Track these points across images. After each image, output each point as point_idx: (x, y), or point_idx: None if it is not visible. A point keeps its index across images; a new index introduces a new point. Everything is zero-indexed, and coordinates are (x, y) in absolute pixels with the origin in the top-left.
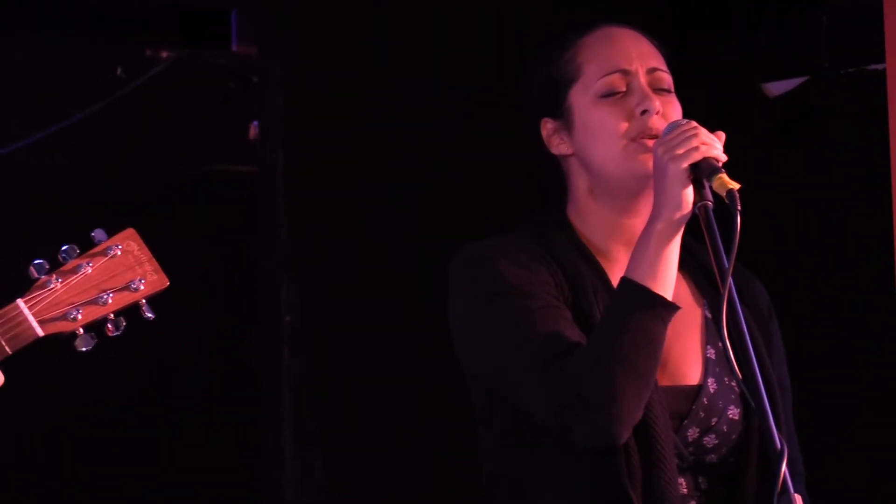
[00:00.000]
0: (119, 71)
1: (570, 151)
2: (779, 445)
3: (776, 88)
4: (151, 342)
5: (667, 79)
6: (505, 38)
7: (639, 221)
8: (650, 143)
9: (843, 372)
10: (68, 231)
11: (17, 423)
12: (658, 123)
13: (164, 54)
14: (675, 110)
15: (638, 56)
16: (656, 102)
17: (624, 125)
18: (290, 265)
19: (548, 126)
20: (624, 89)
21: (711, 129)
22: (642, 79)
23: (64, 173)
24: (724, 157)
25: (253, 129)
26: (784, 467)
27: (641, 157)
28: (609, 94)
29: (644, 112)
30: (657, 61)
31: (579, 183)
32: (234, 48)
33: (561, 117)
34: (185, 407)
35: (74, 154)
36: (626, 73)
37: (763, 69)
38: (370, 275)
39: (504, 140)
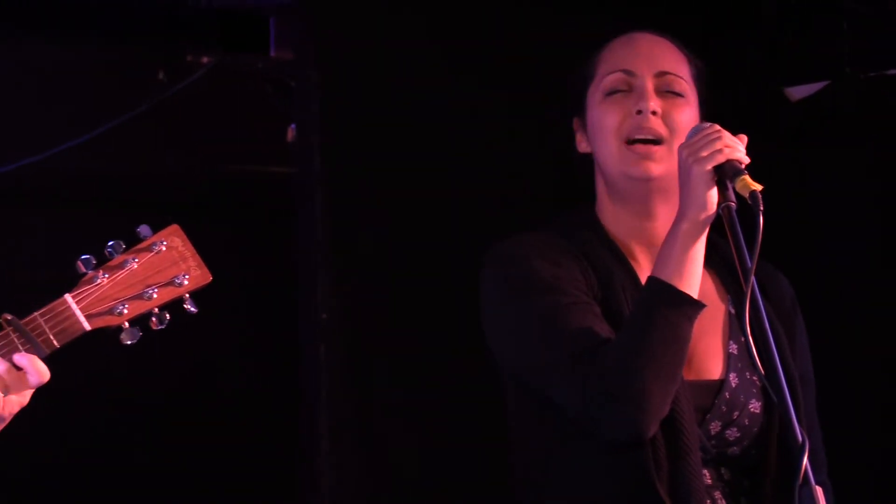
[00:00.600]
0: (161, 75)
1: (589, 150)
2: (800, 438)
3: (798, 92)
4: (193, 337)
5: (679, 83)
6: (537, 44)
7: (656, 225)
8: (638, 146)
9: (867, 366)
10: (114, 228)
11: (63, 415)
12: (655, 125)
13: (205, 59)
14: (681, 114)
15: (648, 58)
16: (651, 103)
17: (618, 122)
18: (327, 264)
19: (575, 124)
20: (626, 88)
21: (734, 132)
22: (648, 81)
23: (109, 173)
24: (746, 160)
25: (290, 132)
26: (805, 460)
27: (631, 160)
28: (612, 93)
29: (639, 112)
30: (672, 66)
31: (598, 181)
32: (272, 53)
33: (582, 116)
34: (224, 400)
35: (119, 155)
36: (629, 73)
37: (786, 73)
38: (404, 273)
39: (536, 141)
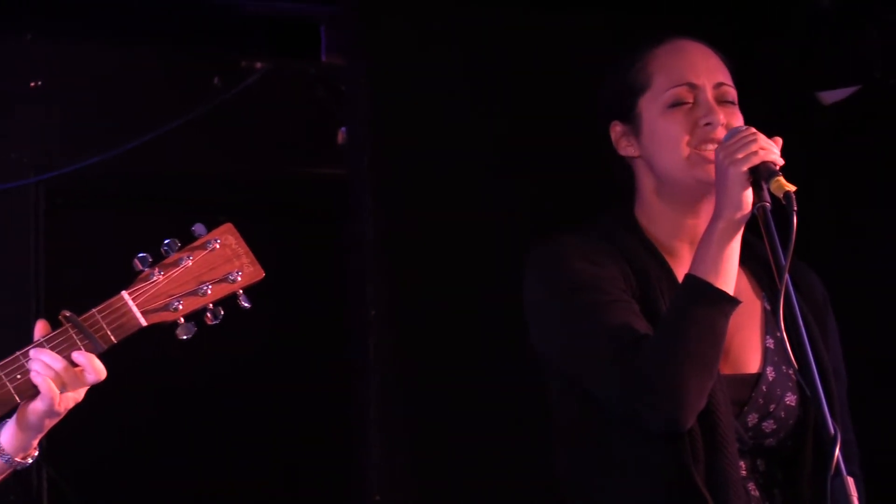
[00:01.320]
0: (216, 80)
1: (636, 154)
2: (832, 430)
3: (830, 97)
4: (247, 331)
5: (732, 93)
6: (576, 49)
7: (701, 221)
8: (710, 152)
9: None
10: (170, 227)
11: (119, 406)
12: (721, 134)
13: (258, 65)
14: (738, 122)
15: (706, 70)
16: (720, 116)
17: (688, 135)
18: (376, 262)
19: (616, 129)
20: (691, 101)
21: (770, 135)
22: (709, 93)
23: (166, 174)
24: (781, 161)
25: (341, 135)
26: (837, 451)
27: (703, 165)
28: (676, 105)
29: (708, 124)
30: (724, 76)
31: (646, 183)
32: (322, 59)
33: (630, 122)
34: (274, 394)
35: (175, 157)
36: (693, 86)
37: (818, 78)
38: (450, 271)
39: (577, 143)
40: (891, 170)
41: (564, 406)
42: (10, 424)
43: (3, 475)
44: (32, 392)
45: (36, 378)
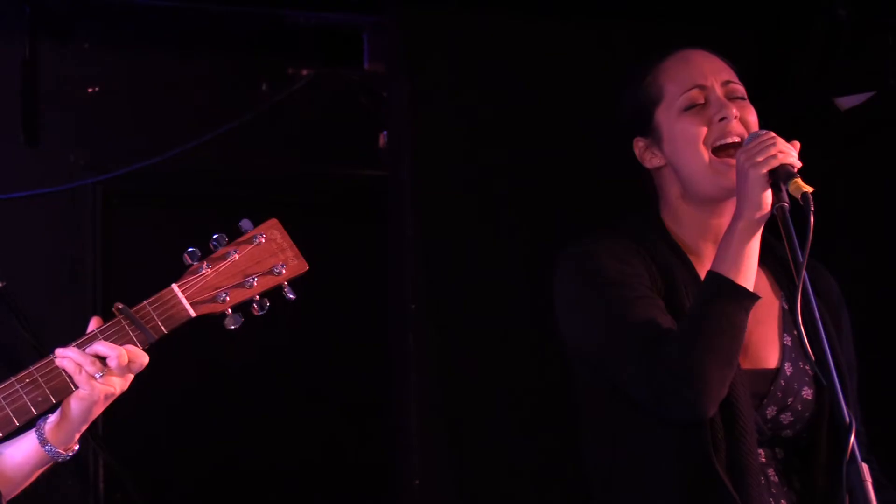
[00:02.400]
0: (264, 87)
1: (662, 163)
2: (848, 420)
3: (847, 102)
4: (290, 322)
5: (740, 88)
6: (603, 61)
7: (724, 221)
8: (732, 160)
9: None
10: (218, 223)
11: (169, 397)
12: (737, 127)
13: (304, 72)
14: (751, 114)
15: (711, 71)
16: (733, 109)
17: (705, 131)
18: (415, 258)
19: (639, 144)
20: (703, 101)
21: (788, 139)
22: (718, 91)
23: (216, 174)
24: (799, 164)
25: (382, 138)
26: (853, 439)
27: (726, 172)
28: (690, 107)
29: (722, 119)
30: (729, 74)
31: (672, 190)
32: (365, 66)
33: (650, 135)
34: (320, 381)
35: (226, 158)
36: (702, 87)
37: (835, 85)
38: (487, 266)
39: (603, 149)
40: None
41: (591, 397)
42: (55, 418)
43: (46, 466)
44: (70, 390)
45: (75, 375)
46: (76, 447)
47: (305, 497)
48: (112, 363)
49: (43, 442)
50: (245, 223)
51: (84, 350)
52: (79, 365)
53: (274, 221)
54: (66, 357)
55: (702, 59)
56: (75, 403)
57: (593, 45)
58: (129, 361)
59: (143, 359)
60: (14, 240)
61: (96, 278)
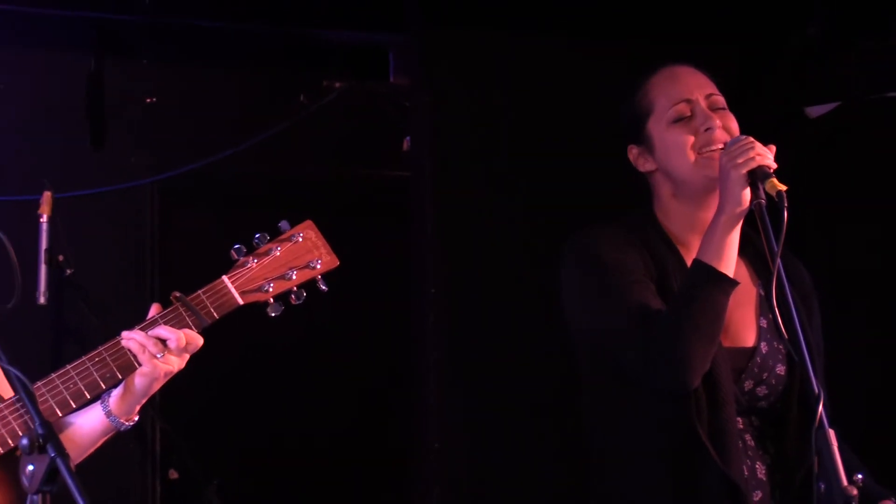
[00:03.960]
0: (302, 97)
1: (654, 168)
2: (816, 391)
3: (816, 111)
4: (325, 312)
5: (721, 100)
6: (604, 73)
7: (709, 215)
8: (715, 155)
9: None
10: (259, 223)
11: (218, 372)
12: (720, 135)
13: (337, 84)
14: (732, 122)
15: (696, 86)
16: (716, 120)
17: (692, 140)
18: (435, 248)
19: (633, 151)
20: (689, 114)
21: (765, 143)
22: (703, 103)
23: (257, 177)
24: (774, 165)
25: (406, 143)
26: (821, 408)
27: (710, 165)
28: (678, 119)
29: (707, 129)
30: (711, 87)
31: (664, 190)
32: (391, 79)
33: (643, 143)
34: (349, 360)
35: (265, 162)
36: (689, 101)
37: (807, 95)
38: (499, 255)
39: (604, 153)
40: (866, 172)
41: (591, 372)
42: (118, 392)
43: (110, 434)
44: (134, 368)
45: (139, 355)
46: (136, 418)
47: (337, 461)
48: (171, 345)
49: (108, 413)
50: (283, 224)
51: (147, 333)
52: (143, 346)
53: (309, 222)
54: (132, 339)
55: (687, 75)
56: (138, 380)
57: (595, 59)
58: (186, 343)
59: (198, 341)
60: (82, 233)
61: (154, 268)
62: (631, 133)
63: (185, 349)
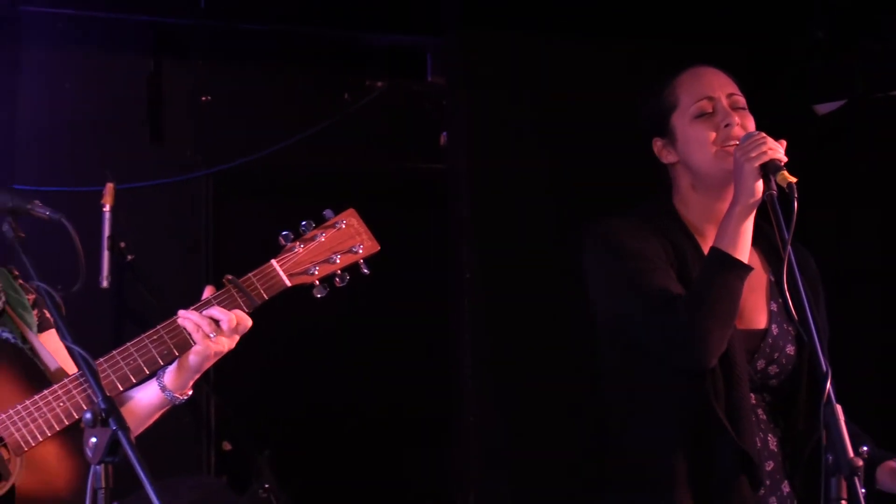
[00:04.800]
0: (346, 96)
1: (676, 159)
2: (824, 368)
3: (823, 108)
4: (367, 293)
5: (741, 100)
6: (625, 73)
7: (725, 206)
8: (731, 148)
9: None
10: (306, 211)
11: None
12: (738, 132)
13: (379, 84)
14: (749, 121)
15: (719, 85)
16: (735, 118)
17: (713, 135)
18: (470, 236)
19: (657, 143)
20: (711, 110)
21: (776, 138)
22: (724, 101)
23: (305, 169)
24: (785, 159)
25: (443, 138)
26: (829, 385)
27: (727, 158)
28: (701, 115)
29: (727, 125)
30: (733, 88)
31: (683, 181)
32: (429, 79)
33: (666, 136)
34: (390, 341)
35: (313, 154)
36: (711, 98)
37: (814, 94)
38: (530, 242)
39: (627, 145)
40: (869, 165)
41: (612, 354)
42: (173, 368)
43: (166, 408)
44: (189, 346)
45: (193, 333)
46: (190, 392)
47: (379, 432)
48: (223, 325)
49: (163, 388)
50: (328, 212)
51: (202, 313)
52: (197, 325)
53: (352, 210)
54: (188, 318)
55: (711, 75)
56: (192, 357)
57: (618, 59)
58: (236, 324)
59: (247, 322)
60: (142, 222)
61: (208, 254)
62: (656, 126)
63: (235, 329)
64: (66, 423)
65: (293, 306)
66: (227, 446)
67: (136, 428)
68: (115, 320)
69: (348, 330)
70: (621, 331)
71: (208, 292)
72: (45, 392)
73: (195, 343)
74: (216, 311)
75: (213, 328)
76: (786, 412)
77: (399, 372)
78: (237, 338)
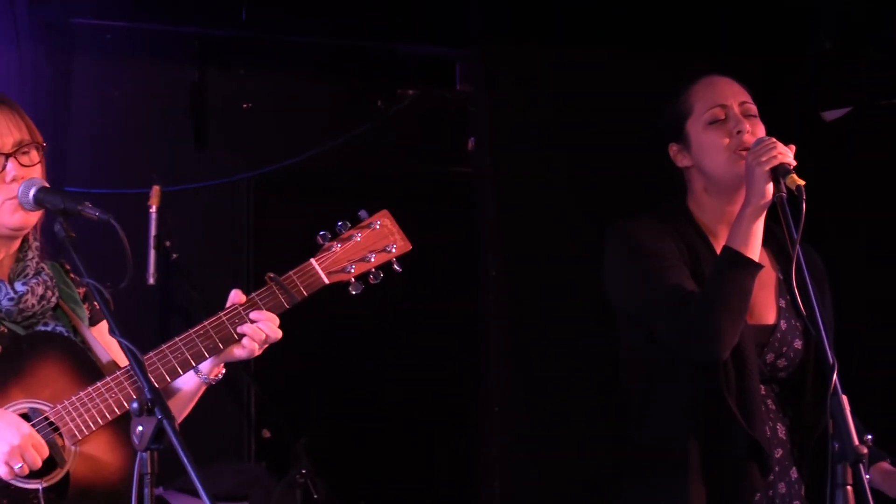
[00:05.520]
0: (379, 103)
1: (690, 163)
2: (831, 361)
3: (831, 115)
4: (398, 289)
5: (753, 108)
6: (641, 82)
7: (736, 208)
8: (744, 154)
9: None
10: (342, 212)
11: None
12: (749, 138)
13: (410, 92)
14: (760, 128)
15: (731, 94)
16: (747, 125)
17: (726, 141)
18: (496, 235)
19: (673, 148)
20: (724, 117)
21: (786, 143)
22: (736, 109)
23: (340, 173)
24: (794, 162)
25: (470, 143)
26: (835, 377)
27: (739, 163)
28: (714, 122)
29: (739, 132)
30: (745, 97)
31: (698, 184)
32: (457, 87)
33: (682, 141)
34: (420, 335)
35: (347, 160)
36: (724, 106)
37: (822, 101)
38: (552, 241)
39: (644, 150)
40: (875, 168)
41: (629, 347)
42: (212, 358)
43: (201, 392)
44: (234, 340)
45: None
46: (223, 372)
47: (409, 419)
48: (264, 326)
49: (197, 372)
50: (363, 213)
51: (248, 314)
52: (261, 331)
53: (385, 212)
54: (260, 327)
55: (724, 84)
56: (237, 350)
57: (635, 68)
58: (266, 337)
59: (277, 335)
60: (187, 222)
61: (250, 253)
62: (672, 132)
63: (265, 340)
64: (118, 412)
65: (330, 302)
66: (266, 434)
67: (179, 414)
68: (161, 315)
69: (381, 324)
70: (639, 325)
71: (234, 296)
72: (98, 384)
73: (244, 345)
74: (259, 314)
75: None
76: (794, 403)
77: (428, 363)
78: (265, 347)
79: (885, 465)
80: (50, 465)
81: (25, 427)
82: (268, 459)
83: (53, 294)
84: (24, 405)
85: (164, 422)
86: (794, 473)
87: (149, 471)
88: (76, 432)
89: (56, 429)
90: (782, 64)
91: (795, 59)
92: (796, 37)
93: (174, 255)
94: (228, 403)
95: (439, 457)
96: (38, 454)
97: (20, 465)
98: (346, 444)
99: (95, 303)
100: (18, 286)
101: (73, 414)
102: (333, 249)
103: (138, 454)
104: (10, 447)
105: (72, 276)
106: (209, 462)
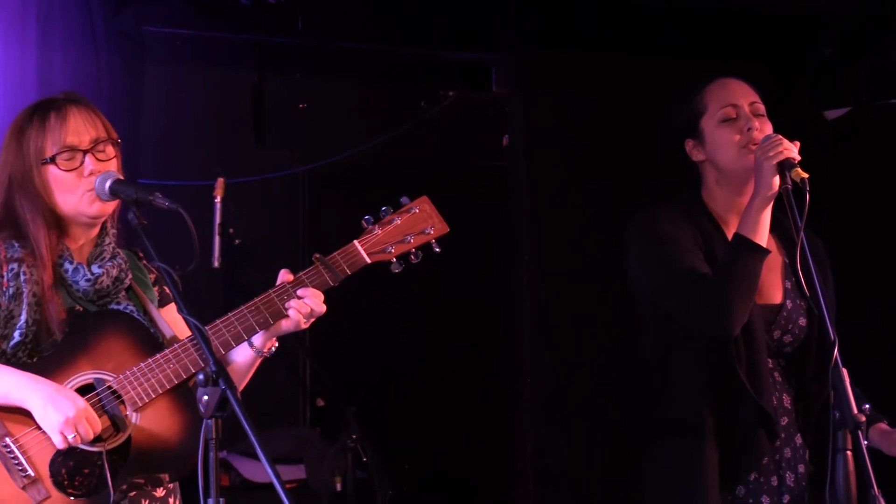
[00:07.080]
0: (422, 104)
1: (704, 158)
2: (832, 337)
3: (832, 114)
4: (440, 274)
5: (761, 108)
6: (660, 84)
7: (746, 199)
8: (753, 149)
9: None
10: (385, 199)
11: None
12: (758, 135)
13: (451, 93)
14: (768, 126)
15: (742, 94)
16: (756, 123)
17: (737, 138)
18: (528, 223)
19: (689, 144)
20: (735, 116)
21: (791, 140)
22: (746, 108)
23: (386, 167)
24: (798, 157)
25: (505, 140)
26: (836, 352)
27: (748, 158)
28: (726, 120)
29: (749, 129)
30: (754, 97)
31: (711, 177)
32: (493, 89)
33: (697, 137)
34: (459, 313)
35: (392, 155)
36: (735, 105)
37: (824, 101)
38: (581, 228)
39: (665, 148)
40: (873, 164)
41: (650, 325)
42: (263, 332)
43: (256, 365)
44: (283, 315)
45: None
46: (276, 345)
47: (450, 389)
48: (309, 301)
49: (252, 346)
50: (404, 199)
51: (296, 291)
52: (307, 306)
53: (424, 198)
54: (297, 302)
55: (735, 85)
56: (284, 323)
57: (655, 72)
58: (311, 310)
59: (321, 309)
60: (248, 211)
61: (304, 237)
62: (687, 129)
63: (311, 314)
64: (176, 382)
65: (377, 283)
66: (320, 402)
67: (238, 384)
68: (225, 295)
69: (423, 304)
70: (658, 305)
71: (283, 275)
72: (158, 356)
73: (291, 317)
74: (306, 291)
75: (309, 310)
76: (798, 375)
77: (466, 339)
78: (312, 321)
79: (883, 425)
80: (114, 429)
81: (81, 401)
82: (321, 426)
83: (127, 276)
84: (90, 376)
85: (227, 391)
86: (798, 439)
87: (213, 436)
88: (137, 400)
89: (119, 397)
90: (788, 68)
91: (800, 64)
92: (800, 44)
93: (237, 241)
94: (286, 376)
95: (476, 424)
96: (90, 427)
97: (73, 435)
98: (392, 412)
99: (165, 287)
100: (95, 268)
101: (135, 383)
102: (375, 232)
103: (203, 421)
104: (65, 418)
105: (144, 262)
106: (268, 427)
